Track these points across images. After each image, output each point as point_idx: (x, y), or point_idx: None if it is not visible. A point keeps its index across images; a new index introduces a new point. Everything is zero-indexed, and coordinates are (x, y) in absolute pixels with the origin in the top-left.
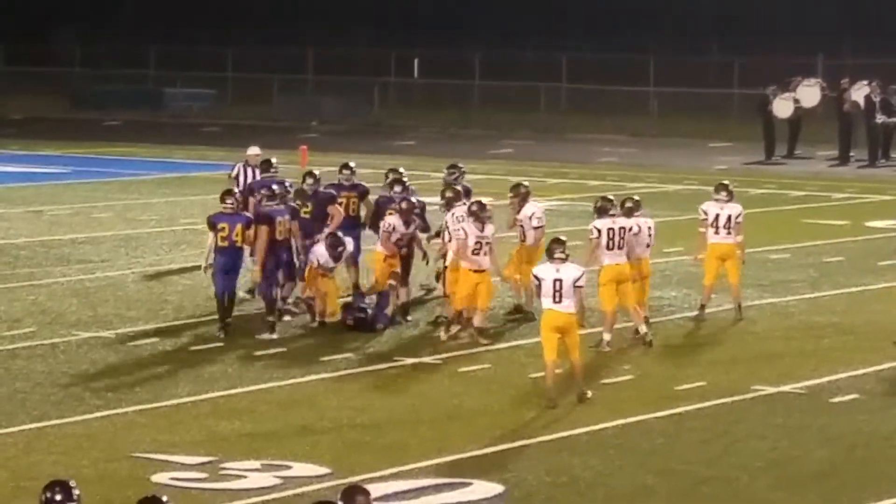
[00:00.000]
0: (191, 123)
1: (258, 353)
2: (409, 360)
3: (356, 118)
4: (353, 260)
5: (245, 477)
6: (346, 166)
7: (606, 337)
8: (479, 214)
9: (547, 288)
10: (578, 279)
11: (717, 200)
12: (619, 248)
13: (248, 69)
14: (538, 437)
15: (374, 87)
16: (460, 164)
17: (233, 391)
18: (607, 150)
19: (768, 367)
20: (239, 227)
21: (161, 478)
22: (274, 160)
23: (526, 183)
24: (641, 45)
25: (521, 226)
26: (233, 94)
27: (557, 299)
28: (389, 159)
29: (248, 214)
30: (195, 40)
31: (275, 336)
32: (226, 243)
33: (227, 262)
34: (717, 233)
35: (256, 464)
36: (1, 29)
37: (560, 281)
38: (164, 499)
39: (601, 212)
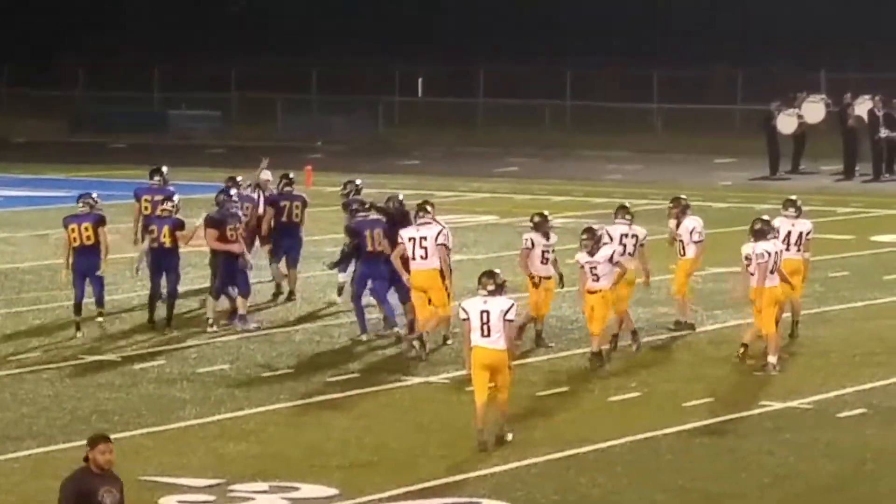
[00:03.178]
0: (196, 145)
1: (265, 374)
2: (416, 380)
3: (361, 137)
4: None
5: (253, 499)
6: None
7: (772, 360)
8: (543, 225)
9: (474, 322)
10: (507, 311)
11: (786, 217)
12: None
13: (253, 89)
14: (546, 456)
15: (379, 106)
16: (357, 180)
17: (240, 413)
18: (612, 167)
19: (775, 383)
20: (166, 228)
21: (169, 501)
22: (164, 169)
23: (684, 196)
24: (645, 60)
25: (681, 240)
26: (238, 115)
27: (485, 333)
28: (394, 178)
29: (177, 217)
30: (199, 61)
31: (78, 335)
32: (156, 245)
33: (161, 261)
34: (787, 249)
35: (264, 485)
36: (5, 52)
37: (487, 313)
38: None
39: (760, 235)
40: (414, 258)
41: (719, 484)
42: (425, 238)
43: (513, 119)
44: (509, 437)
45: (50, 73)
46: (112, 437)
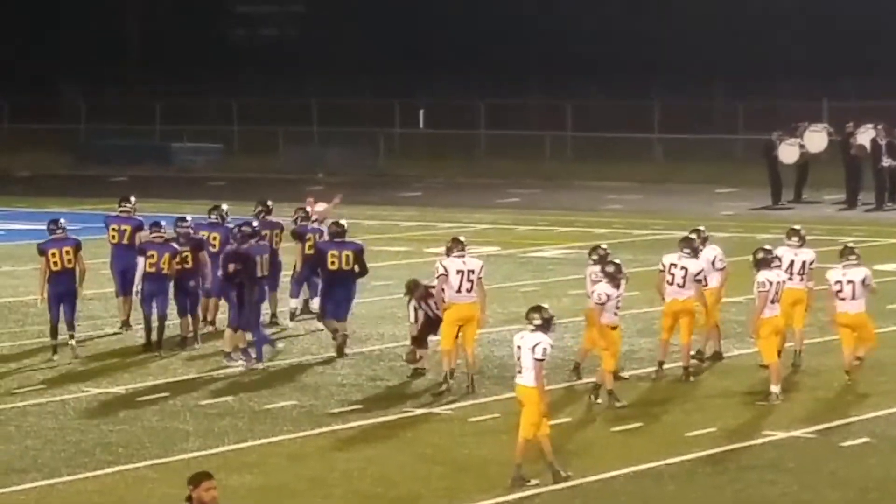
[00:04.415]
0: (197, 177)
1: (268, 406)
2: (419, 411)
3: (362, 169)
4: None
5: None
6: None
7: (775, 389)
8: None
9: (516, 357)
10: (534, 348)
11: (789, 246)
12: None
13: (254, 122)
14: (549, 486)
15: (380, 138)
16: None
17: (243, 445)
18: (613, 198)
19: (778, 412)
20: (167, 255)
21: None
22: (132, 199)
23: (703, 227)
24: (646, 91)
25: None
26: (239, 147)
27: (518, 369)
28: (396, 210)
29: (174, 245)
30: (200, 94)
31: (55, 358)
32: (153, 269)
33: (154, 287)
34: (790, 278)
35: None
36: (6, 85)
37: (519, 349)
38: None
39: (764, 264)
40: (460, 290)
41: None
42: (473, 271)
43: (514, 150)
44: (566, 473)
45: (51, 106)
46: (116, 468)
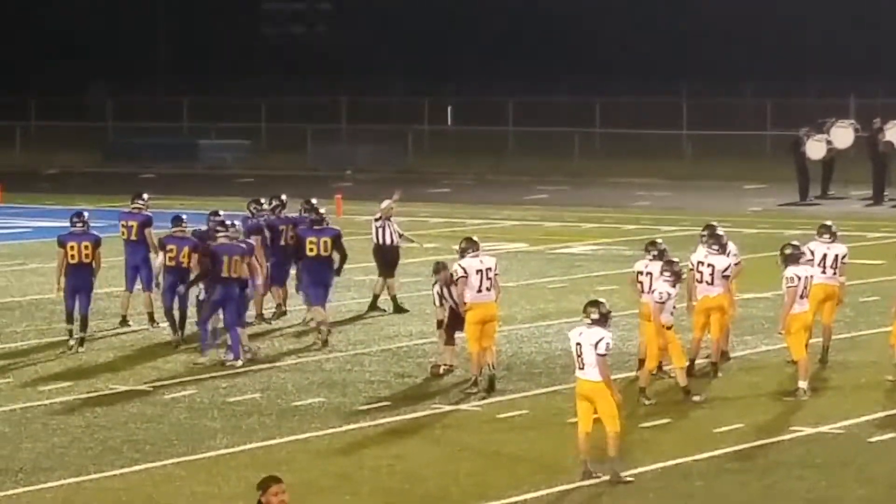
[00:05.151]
0: (226, 175)
1: (296, 403)
2: (447, 407)
3: (390, 166)
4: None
5: None
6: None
7: (803, 385)
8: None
9: (574, 353)
10: (597, 344)
11: (821, 242)
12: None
13: (282, 119)
14: (578, 482)
15: (409, 135)
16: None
17: (271, 442)
18: (642, 194)
19: (806, 408)
20: (186, 249)
21: None
22: (145, 195)
23: (716, 222)
24: (674, 88)
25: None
26: (267, 144)
27: (580, 365)
28: (424, 207)
29: (194, 238)
30: (228, 91)
31: (71, 342)
32: (173, 263)
33: (175, 280)
34: (823, 272)
35: None
36: (34, 84)
37: (580, 345)
38: None
39: (792, 259)
40: (480, 290)
41: None
42: (490, 269)
43: (542, 147)
44: (626, 478)
45: (80, 104)
46: (144, 466)
